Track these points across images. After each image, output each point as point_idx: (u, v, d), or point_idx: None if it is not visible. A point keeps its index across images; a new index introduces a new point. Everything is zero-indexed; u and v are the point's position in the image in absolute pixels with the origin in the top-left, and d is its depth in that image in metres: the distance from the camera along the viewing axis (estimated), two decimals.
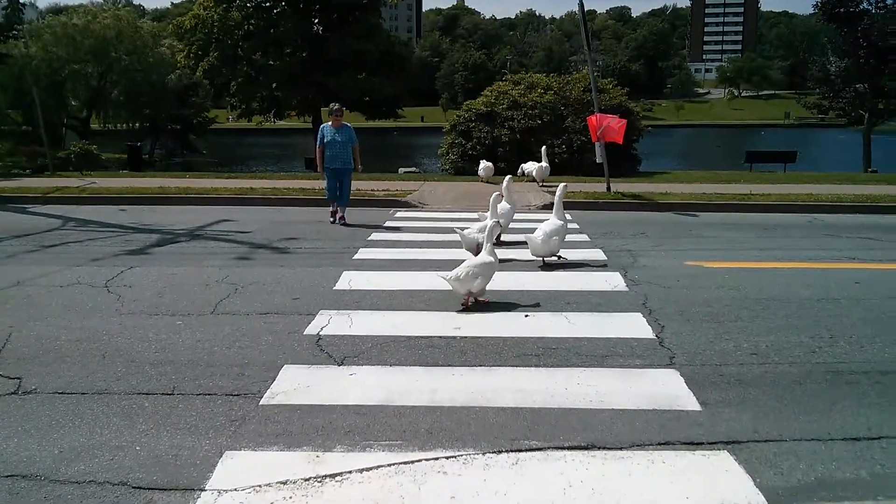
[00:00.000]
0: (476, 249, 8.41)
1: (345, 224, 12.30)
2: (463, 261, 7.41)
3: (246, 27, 30.83)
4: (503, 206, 10.04)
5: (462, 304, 7.09)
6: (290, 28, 30.81)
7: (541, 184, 17.36)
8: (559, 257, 9.28)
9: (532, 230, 9.23)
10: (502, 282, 8.08)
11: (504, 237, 10.74)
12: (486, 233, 7.54)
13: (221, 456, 4.11)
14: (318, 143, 12.57)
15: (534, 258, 9.13)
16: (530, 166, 17.88)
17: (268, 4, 31.70)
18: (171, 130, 43.31)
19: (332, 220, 12.58)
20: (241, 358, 5.66)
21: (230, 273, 8.56)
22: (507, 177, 11.14)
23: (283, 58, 31.10)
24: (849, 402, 4.92)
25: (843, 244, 10.76)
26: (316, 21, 32.61)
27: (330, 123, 12.44)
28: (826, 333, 6.34)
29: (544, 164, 17.19)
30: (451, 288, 7.04)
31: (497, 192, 9.48)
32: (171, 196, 15.14)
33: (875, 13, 29.40)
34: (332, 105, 12.63)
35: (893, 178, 20.60)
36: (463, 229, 9.09)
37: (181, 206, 14.44)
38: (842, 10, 29.63)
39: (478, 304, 7.16)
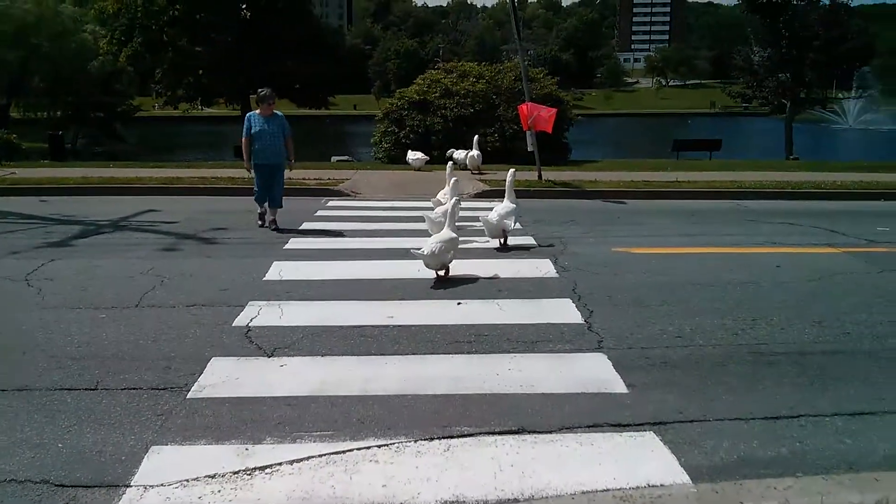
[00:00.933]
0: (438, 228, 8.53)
1: (277, 230, 10.46)
2: (402, 248, 7.63)
3: (171, 12, 29.99)
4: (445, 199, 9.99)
5: (437, 279, 7.67)
6: (218, 13, 30.12)
7: (473, 172, 17.43)
8: (504, 241, 9.50)
9: (473, 218, 9.30)
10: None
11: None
12: (450, 211, 8.17)
13: (147, 451, 4.02)
14: (244, 133, 10.41)
15: (473, 246, 9.18)
16: (459, 154, 18.02)
17: None
18: (94, 119, 41.95)
19: (260, 223, 10.78)
20: (168, 351, 5.54)
21: (156, 265, 8.36)
22: (453, 174, 10.73)
23: (210, 43, 30.40)
24: (769, 382, 5.10)
25: (765, 229, 11.11)
26: (244, 7, 31.95)
27: (258, 112, 10.44)
28: (748, 316, 6.55)
29: (475, 152, 17.25)
30: (422, 263, 7.54)
31: (455, 178, 9.96)
32: (94, 186, 14.66)
33: (796, 4, 30.37)
34: (260, 91, 10.43)
35: (814, 165, 21.35)
36: (432, 213, 9.51)
37: (105, 197, 14.00)
38: (765, 1, 30.54)
39: (446, 277, 7.73)
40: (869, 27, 45.13)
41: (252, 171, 10.64)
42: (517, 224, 10.04)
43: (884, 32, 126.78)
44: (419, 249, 7.46)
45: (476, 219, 9.50)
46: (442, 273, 7.77)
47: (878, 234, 10.64)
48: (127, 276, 7.85)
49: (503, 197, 9.82)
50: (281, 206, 10.77)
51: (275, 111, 10.55)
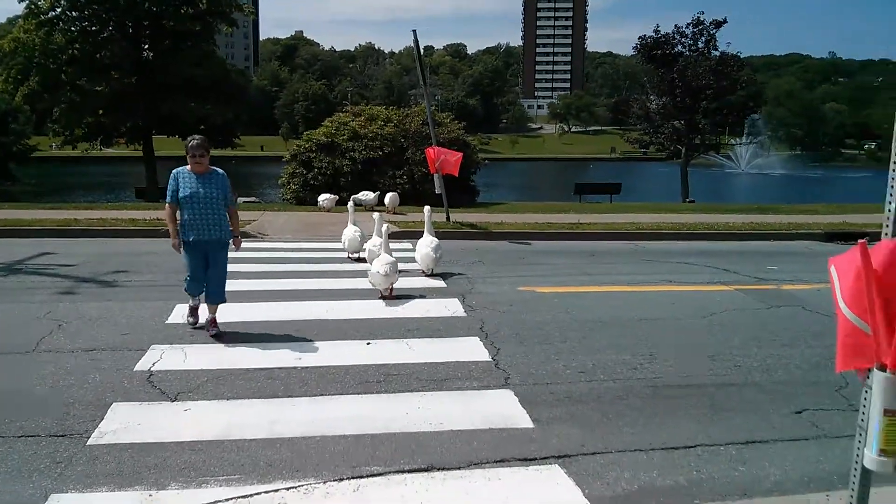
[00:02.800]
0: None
1: (217, 335, 7.11)
2: (309, 290, 8.10)
3: (70, 51, 29.10)
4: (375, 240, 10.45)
5: (383, 296, 8.80)
6: (118, 53, 29.44)
7: (392, 211, 17.68)
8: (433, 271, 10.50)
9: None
10: (345, 311, 8.11)
11: (346, 266, 10.84)
12: (384, 235, 9.24)
13: (47, 499, 3.87)
14: (168, 197, 7.17)
15: (377, 287, 9.18)
16: (365, 195, 18.34)
17: (94, 28, 30.09)
18: None
19: (191, 320, 7.43)
20: (67, 398, 5.33)
21: (52, 309, 8.03)
22: (381, 217, 10.76)
23: (110, 83, 29.60)
24: (667, 415, 5.31)
25: (662, 268, 11.57)
26: (146, 47, 31.35)
27: (189, 167, 7.12)
28: (646, 351, 6.80)
29: (392, 193, 17.89)
30: (371, 285, 8.86)
31: (378, 214, 10.77)
32: None
33: (688, 55, 31.99)
34: (190, 140, 7.14)
35: (708, 207, 22.42)
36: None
37: None
38: (659, 52, 32.04)
39: (391, 296, 8.79)
40: (758, 77, 47.99)
41: (181, 249, 7.22)
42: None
43: (771, 81, 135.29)
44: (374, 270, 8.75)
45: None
46: (387, 293, 8.85)
47: (767, 273, 11.23)
48: (22, 321, 7.52)
49: (414, 237, 10.10)
50: (223, 301, 7.32)
51: (212, 168, 7.19)
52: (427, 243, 10.44)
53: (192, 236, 7.06)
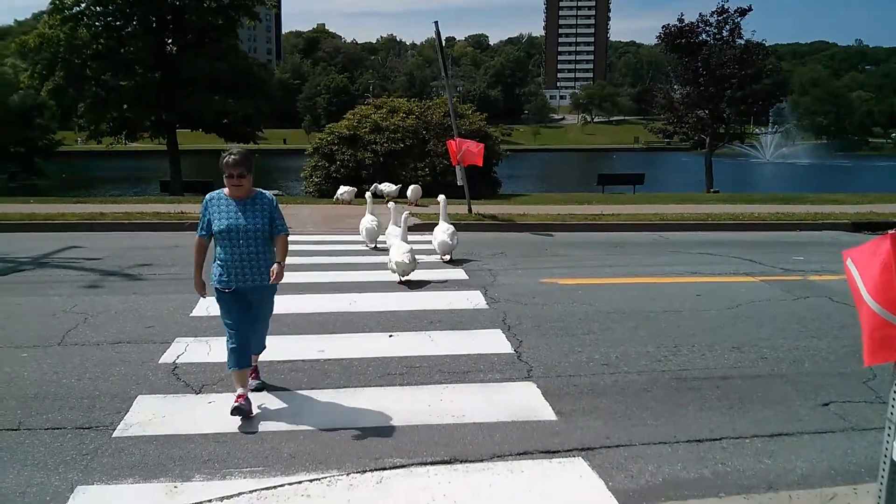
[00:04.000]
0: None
1: (258, 388, 5.51)
2: (332, 283, 8.43)
3: (95, 46, 29.32)
4: (392, 229, 10.90)
5: (401, 282, 9.19)
6: (142, 48, 29.61)
7: (415, 204, 17.72)
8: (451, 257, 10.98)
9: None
10: (367, 304, 8.12)
11: (367, 258, 10.89)
12: (403, 224, 9.70)
13: (73, 491, 3.91)
14: (200, 229, 5.32)
15: (397, 274, 9.29)
16: (386, 186, 18.44)
17: (118, 24, 30.29)
18: (14, 153, 40.67)
19: (242, 404, 4.94)
20: (92, 390, 5.39)
21: (79, 302, 8.13)
22: (398, 207, 11.20)
23: (135, 78, 29.82)
24: (692, 407, 5.26)
25: (686, 259, 11.48)
26: (169, 41, 31.52)
27: (226, 191, 5.25)
28: (670, 343, 6.75)
29: (415, 186, 18.37)
30: (395, 272, 9.15)
31: (394, 204, 11.25)
32: (13, 223, 14.18)
33: (713, 43, 31.62)
34: (226, 155, 5.20)
35: (732, 197, 22.21)
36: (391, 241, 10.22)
37: (25, 234, 13.55)
38: (683, 41, 31.69)
39: (409, 283, 9.19)
40: (783, 65, 47.39)
41: (206, 294, 5.39)
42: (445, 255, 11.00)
43: (797, 69, 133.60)
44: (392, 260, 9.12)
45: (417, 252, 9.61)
46: (406, 279, 9.22)
47: (793, 263, 11.09)
48: (49, 313, 7.61)
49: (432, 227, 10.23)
50: (264, 347, 5.56)
51: (256, 190, 5.33)
52: (443, 230, 10.93)
53: (232, 283, 5.13)
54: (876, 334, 3.21)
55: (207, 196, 5.26)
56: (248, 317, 5.19)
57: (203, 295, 5.34)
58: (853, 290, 3.31)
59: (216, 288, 5.16)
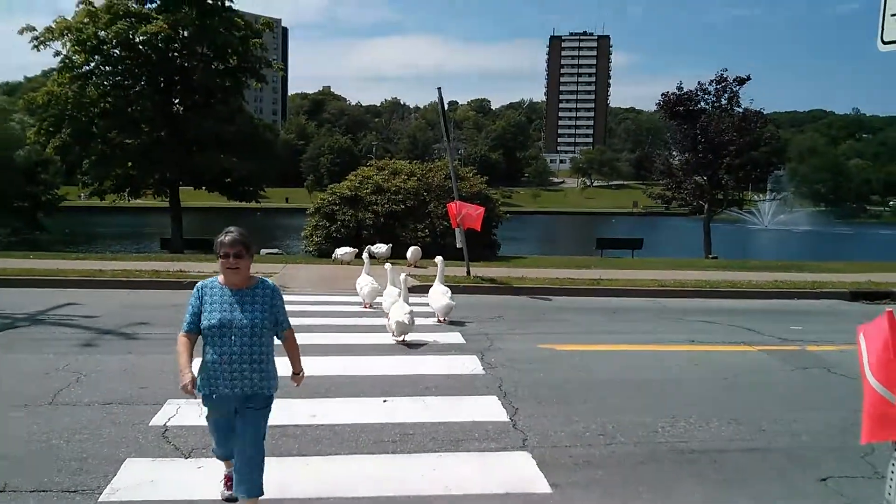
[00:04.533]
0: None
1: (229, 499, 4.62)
2: (328, 344, 8.59)
3: (102, 105, 29.76)
4: (390, 289, 11.04)
5: (399, 342, 9.33)
6: (149, 107, 30.05)
7: (414, 265, 17.76)
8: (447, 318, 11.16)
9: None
10: (362, 367, 8.06)
11: (363, 321, 10.85)
12: (403, 286, 9.81)
13: None
14: (185, 324, 4.38)
15: (395, 336, 9.46)
16: (378, 248, 18.53)
17: (127, 83, 30.83)
18: (18, 208, 40.88)
19: (226, 493, 4.67)
20: (81, 451, 5.32)
21: (73, 360, 8.07)
22: (395, 268, 11.73)
23: (141, 136, 30.20)
24: (690, 481, 5.18)
25: (685, 327, 11.44)
26: (176, 101, 32.00)
27: (220, 279, 4.44)
28: (668, 414, 6.68)
29: (415, 247, 18.35)
30: (394, 332, 9.33)
31: (391, 265, 11.60)
32: (11, 278, 14.17)
33: (711, 111, 32.08)
34: (223, 234, 4.35)
35: (731, 263, 22.24)
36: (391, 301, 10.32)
37: (22, 289, 13.53)
38: (681, 108, 32.15)
39: (407, 343, 9.33)
40: (781, 133, 48.02)
41: (199, 399, 4.50)
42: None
43: (794, 137, 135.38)
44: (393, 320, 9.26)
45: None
46: (403, 339, 9.39)
47: (791, 333, 11.05)
48: (42, 371, 7.56)
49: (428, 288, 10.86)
50: (259, 493, 4.35)
51: (256, 277, 4.49)
52: (442, 291, 11.20)
53: (219, 388, 4.27)
54: (875, 411, 3.19)
55: (200, 283, 4.36)
56: (229, 423, 4.35)
57: (192, 393, 4.20)
58: (860, 366, 3.30)
59: (204, 393, 4.31)
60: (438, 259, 12.04)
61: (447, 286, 11.56)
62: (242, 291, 4.31)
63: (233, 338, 4.22)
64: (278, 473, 5.04)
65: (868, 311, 13.35)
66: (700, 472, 5.34)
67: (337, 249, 19.50)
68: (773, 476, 5.31)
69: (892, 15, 3.27)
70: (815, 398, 7.38)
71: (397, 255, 18.90)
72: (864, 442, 3.24)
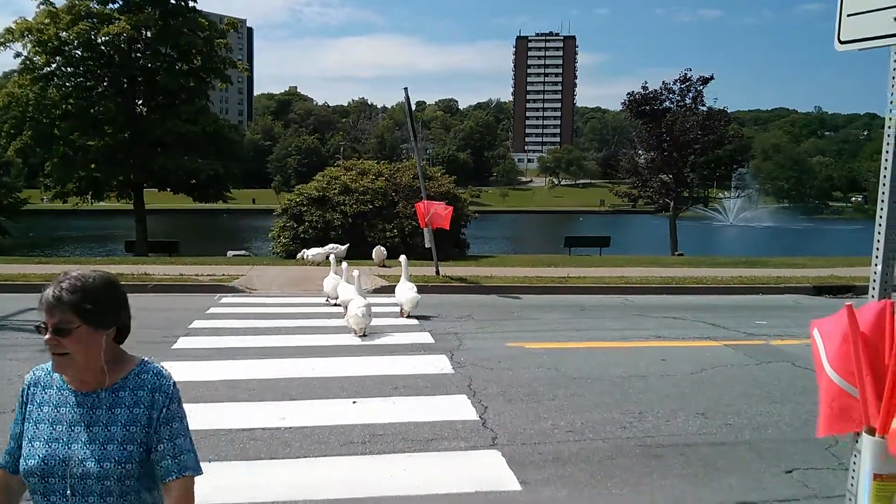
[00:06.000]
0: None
1: None
2: (296, 346, 8.63)
3: (64, 106, 29.28)
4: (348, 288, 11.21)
5: (360, 336, 9.65)
6: (112, 109, 29.60)
7: (380, 265, 17.75)
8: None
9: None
10: (331, 368, 8.02)
11: (332, 322, 10.81)
12: (357, 282, 10.27)
13: None
14: (3, 455, 2.38)
15: (357, 333, 9.80)
16: (313, 251, 18.78)
17: (89, 84, 30.36)
18: None
19: None
20: None
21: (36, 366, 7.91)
22: (349, 268, 11.87)
23: (104, 138, 29.76)
24: (657, 475, 5.23)
25: (651, 323, 11.54)
26: (140, 102, 31.59)
27: (50, 365, 2.31)
28: (635, 409, 6.73)
29: (380, 247, 18.47)
30: (353, 327, 9.70)
31: (346, 264, 11.98)
32: None
33: (676, 110, 32.42)
34: (49, 289, 2.19)
35: (697, 260, 22.51)
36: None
37: None
38: (647, 107, 32.48)
39: (364, 335, 9.68)
40: (745, 131, 48.71)
41: None
42: (412, 320, 11.29)
43: (758, 135, 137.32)
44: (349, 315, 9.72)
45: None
46: (362, 334, 9.69)
47: (755, 328, 11.21)
48: (5, 379, 7.41)
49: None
50: None
51: (134, 362, 2.48)
52: (408, 287, 11.69)
53: None
54: (834, 405, 3.23)
55: (29, 376, 2.47)
56: None
57: None
58: (815, 361, 3.34)
59: None
60: (402, 258, 12.52)
61: (413, 283, 11.97)
62: (95, 395, 2.28)
63: (66, 492, 2.19)
64: (247, 477, 4.99)
65: (831, 304, 13.58)
66: (667, 467, 5.39)
67: (305, 250, 19.39)
68: (739, 469, 5.38)
69: (849, 15, 3.31)
70: (779, 391, 7.48)
71: (367, 255, 18.84)
72: (820, 435, 3.28)
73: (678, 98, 32.40)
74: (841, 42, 3.33)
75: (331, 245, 19.22)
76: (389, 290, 13.47)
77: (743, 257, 24.48)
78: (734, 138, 34.66)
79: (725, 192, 74.64)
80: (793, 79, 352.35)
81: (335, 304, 12.28)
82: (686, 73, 32.17)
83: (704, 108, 32.40)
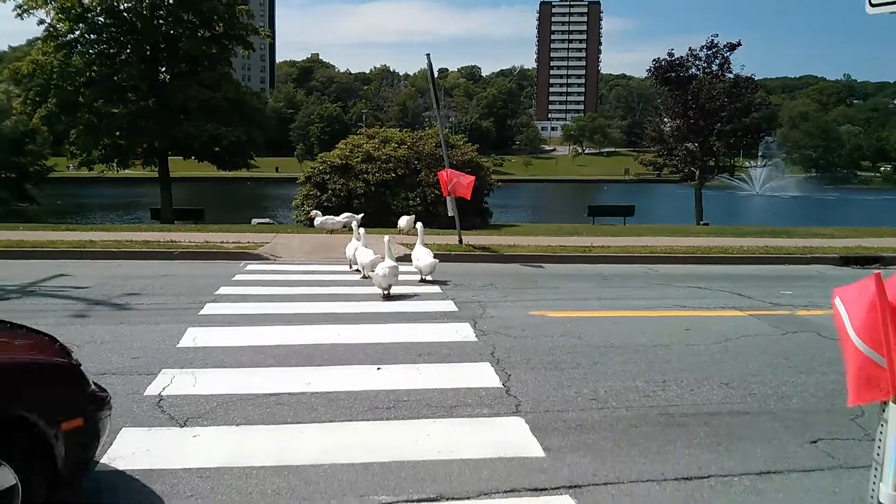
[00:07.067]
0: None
1: None
2: (321, 313, 8.63)
3: (88, 74, 29.44)
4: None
5: (383, 297, 10.22)
6: (136, 76, 29.73)
7: (407, 234, 17.82)
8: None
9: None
10: (356, 335, 8.08)
11: (357, 290, 10.89)
12: (387, 247, 10.76)
13: None
14: None
15: (382, 290, 10.36)
16: (324, 220, 19.11)
17: (112, 51, 30.48)
18: (4, 179, 40.59)
19: None
20: None
21: (64, 332, 8.01)
22: (357, 225, 13.02)
23: (127, 105, 29.94)
24: (680, 444, 5.23)
25: (676, 293, 11.49)
26: (163, 69, 31.68)
27: None
28: (659, 378, 6.73)
29: (410, 216, 18.46)
30: (379, 286, 10.25)
31: (387, 237, 11.60)
32: (1, 249, 14.10)
33: (702, 77, 31.96)
34: None
35: (722, 230, 22.32)
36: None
37: (12, 261, 13.47)
38: (673, 74, 32.06)
39: (390, 296, 10.23)
40: (772, 99, 47.96)
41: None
42: (434, 287, 11.45)
43: (785, 103, 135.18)
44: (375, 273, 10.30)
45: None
46: (387, 293, 10.26)
47: (781, 298, 11.12)
48: None
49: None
50: None
51: None
52: (425, 252, 11.99)
53: None
54: (861, 373, 3.21)
55: None
56: None
57: None
58: (839, 328, 3.31)
59: None
60: (418, 224, 12.94)
61: (429, 249, 12.33)
62: None
63: None
64: (275, 441, 5.07)
65: (858, 275, 13.38)
66: (691, 435, 5.39)
67: (318, 214, 19.48)
68: (763, 439, 5.37)
69: None
70: (805, 362, 7.43)
71: (391, 224, 18.86)
72: (851, 404, 3.27)
73: (704, 65, 31.96)
74: (872, 5, 3.25)
75: (346, 214, 19.31)
76: (408, 259, 13.55)
77: (769, 227, 24.26)
78: (761, 106, 34.17)
79: (752, 161, 73.69)
80: (822, 46, 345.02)
81: (356, 270, 12.40)
82: (713, 40, 31.69)
83: (731, 76, 31.93)
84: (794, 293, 11.59)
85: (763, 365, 7.28)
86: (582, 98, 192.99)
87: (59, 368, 4.03)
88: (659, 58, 32.41)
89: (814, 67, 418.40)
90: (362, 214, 19.24)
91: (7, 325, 4.49)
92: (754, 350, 7.90)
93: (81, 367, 4.11)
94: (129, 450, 4.84)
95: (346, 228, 17.72)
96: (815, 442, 5.32)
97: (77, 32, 29.77)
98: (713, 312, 10.00)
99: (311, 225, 19.70)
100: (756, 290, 11.64)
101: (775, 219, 43.53)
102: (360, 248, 12.11)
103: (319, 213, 19.68)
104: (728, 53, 31.71)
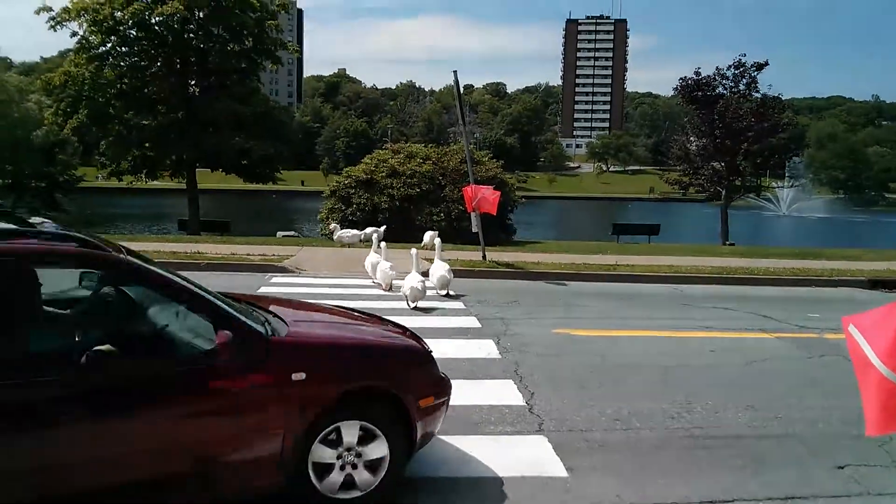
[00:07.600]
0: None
1: None
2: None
3: (119, 86, 29.93)
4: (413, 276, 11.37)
5: (412, 308, 10.52)
6: (166, 88, 30.20)
7: (431, 249, 17.87)
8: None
9: None
10: None
11: (381, 304, 10.92)
12: (414, 260, 11.30)
13: None
14: None
15: (410, 304, 10.68)
16: (345, 234, 19.02)
17: (143, 64, 30.98)
18: (34, 188, 41.24)
19: None
20: None
21: None
22: (380, 244, 13.08)
23: (157, 117, 30.38)
24: (705, 466, 5.20)
25: (701, 314, 11.40)
26: (192, 82, 32.12)
27: None
28: (683, 399, 6.69)
29: (433, 233, 18.20)
30: (408, 300, 10.66)
31: (414, 249, 12.21)
32: None
33: (729, 96, 31.77)
34: None
35: (748, 250, 22.10)
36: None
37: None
38: (700, 93, 31.88)
39: (417, 308, 10.55)
40: (799, 119, 47.59)
41: None
42: (458, 303, 11.53)
43: (813, 123, 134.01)
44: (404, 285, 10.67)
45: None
46: (415, 305, 10.61)
47: (807, 320, 11.00)
48: None
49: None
50: None
51: None
52: (441, 266, 12.13)
53: None
54: (891, 402, 3.15)
55: None
56: None
57: None
58: (854, 357, 3.25)
59: None
60: (437, 239, 13.31)
61: (446, 263, 12.49)
62: None
63: None
64: None
65: (887, 299, 13.26)
66: (715, 458, 5.36)
67: (337, 228, 19.53)
68: (789, 463, 5.32)
69: None
70: (832, 386, 7.35)
71: (414, 239, 18.91)
72: (874, 434, 3.21)
73: (732, 84, 31.73)
74: None
75: (370, 228, 19.37)
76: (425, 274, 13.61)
77: (795, 248, 23.99)
78: (788, 126, 33.85)
79: (778, 182, 73.03)
80: (850, 67, 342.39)
81: (376, 283, 12.63)
82: (740, 59, 31.50)
83: (758, 95, 31.70)
84: (822, 316, 11.44)
85: (789, 388, 7.22)
86: (607, 115, 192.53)
87: (423, 353, 4.90)
88: (686, 77, 32.24)
89: (842, 88, 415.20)
90: (384, 227, 19.30)
91: (365, 314, 5.50)
92: (780, 373, 7.84)
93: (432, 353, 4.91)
94: None
95: (364, 242, 17.82)
96: (842, 468, 5.27)
97: (109, 45, 30.26)
98: (739, 334, 9.92)
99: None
100: (782, 312, 11.52)
101: (802, 240, 43.05)
102: (381, 262, 12.34)
103: (338, 226, 19.81)
104: (755, 73, 31.48)
